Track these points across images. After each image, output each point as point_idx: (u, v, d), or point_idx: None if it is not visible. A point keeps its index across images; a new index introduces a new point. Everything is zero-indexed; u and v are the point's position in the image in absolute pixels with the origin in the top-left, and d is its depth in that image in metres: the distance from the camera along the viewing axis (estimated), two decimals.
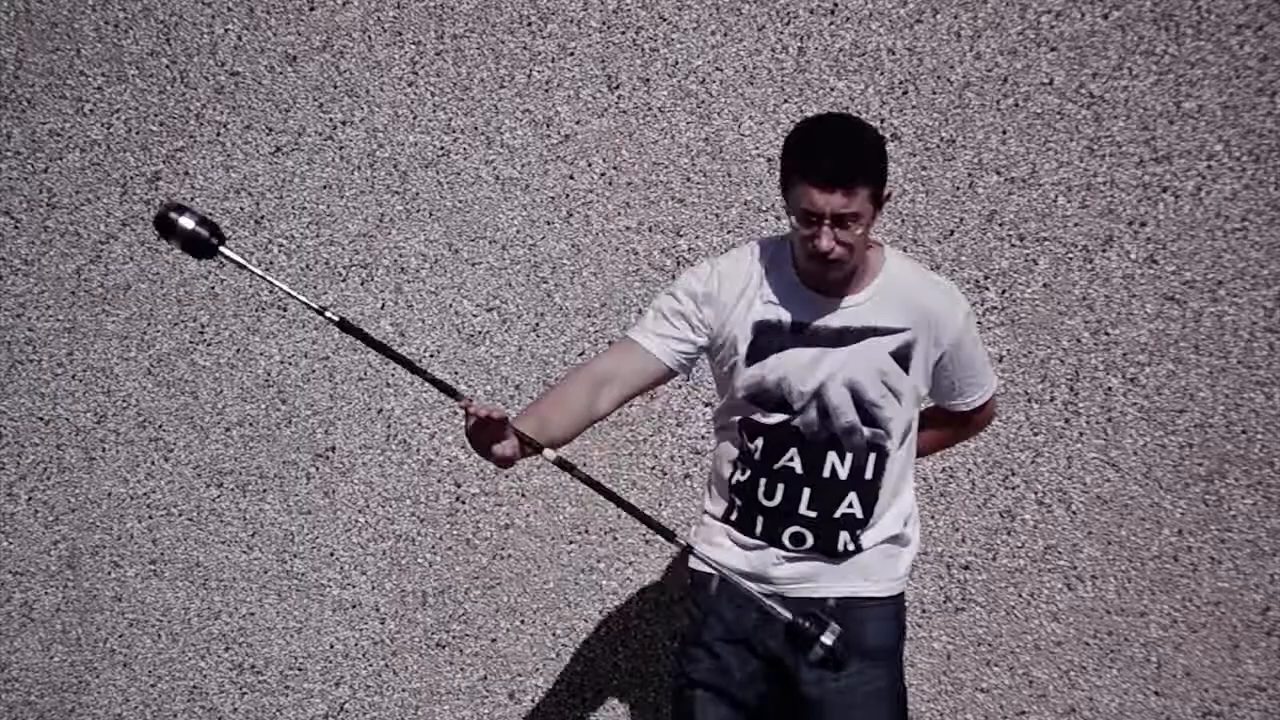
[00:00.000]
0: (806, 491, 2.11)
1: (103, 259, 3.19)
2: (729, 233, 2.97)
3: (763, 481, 2.14)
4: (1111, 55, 2.83)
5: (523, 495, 3.09)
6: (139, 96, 3.16)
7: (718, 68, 2.95)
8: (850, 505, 2.13)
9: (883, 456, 2.12)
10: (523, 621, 3.11)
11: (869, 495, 2.13)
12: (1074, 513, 2.91)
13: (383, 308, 3.11)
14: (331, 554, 3.17)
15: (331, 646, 3.19)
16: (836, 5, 2.90)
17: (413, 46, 3.05)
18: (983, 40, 2.87)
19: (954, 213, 2.91)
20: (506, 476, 3.08)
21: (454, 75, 3.04)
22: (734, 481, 2.18)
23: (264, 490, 3.19)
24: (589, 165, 3.00)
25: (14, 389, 3.25)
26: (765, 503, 2.14)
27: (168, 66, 3.14)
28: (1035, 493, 2.92)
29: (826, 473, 2.11)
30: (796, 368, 2.08)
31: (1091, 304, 2.88)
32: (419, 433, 3.12)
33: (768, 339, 2.09)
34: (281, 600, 3.20)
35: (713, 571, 2.13)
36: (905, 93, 2.90)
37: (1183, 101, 2.82)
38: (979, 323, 2.91)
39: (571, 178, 3.02)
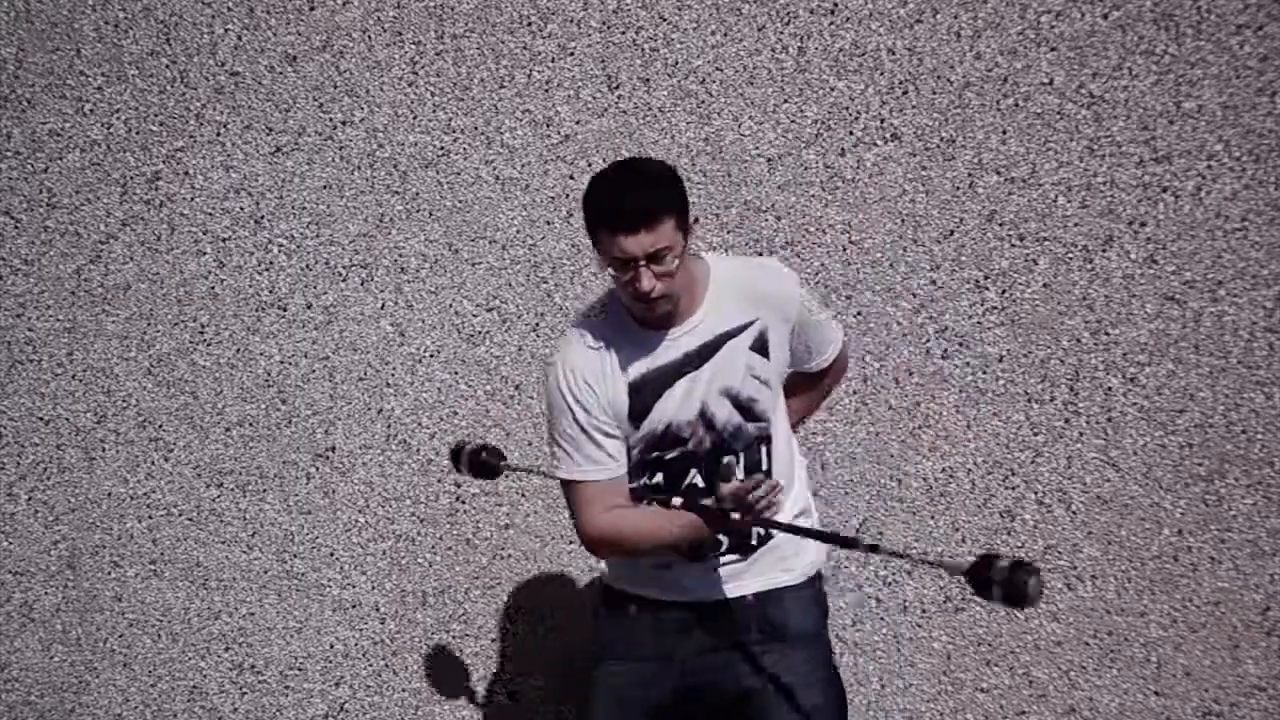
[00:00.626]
0: (711, 500, 2.13)
1: (103, 259, 3.19)
2: (729, 233, 2.97)
3: (683, 504, 2.15)
4: (1111, 55, 2.83)
5: (523, 495, 3.09)
6: (139, 96, 3.16)
7: (718, 68, 2.95)
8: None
9: (769, 443, 2.18)
10: (523, 621, 3.11)
11: None
12: (1074, 513, 2.91)
13: (383, 308, 3.11)
14: (331, 554, 3.17)
15: (331, 646, 3.19)
16: (836, 5, 2.90)
17: (413, 46, 3.05)
18: (983, 40, 2.87)
19: (954, 213, 2.91)
20: (506, 476, 3.08)
21: (454, 75, 3.04)
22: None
23: (264, 490, 3.18)
24: (589, 165, 3.00)
25: (14, 389, 3.25)
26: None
27: (168, 66, 3.14)
28: (1035, 493, 2.92)
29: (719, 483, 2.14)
30: (675, 406, 2.13)
31: (1091, 304, 2.87)
32: (419, 433, 3.12)
33: (641, 397, 2.13)
34: (281, 600, 3.20)
35: (632, 595, 2.22)
36: (905, 93, 2.90)
37: (1183, 101, 2.82)
38: (978, 323, 2.91)
39: (571, 178, 3.02)
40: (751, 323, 2.13)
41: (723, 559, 2.18)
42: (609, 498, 2.13)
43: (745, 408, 2.14)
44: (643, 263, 1.99)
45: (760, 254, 2.97)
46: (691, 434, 2.14)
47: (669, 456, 2.16)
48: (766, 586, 2.19)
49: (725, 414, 2.14)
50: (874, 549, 2.08)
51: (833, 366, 2.29)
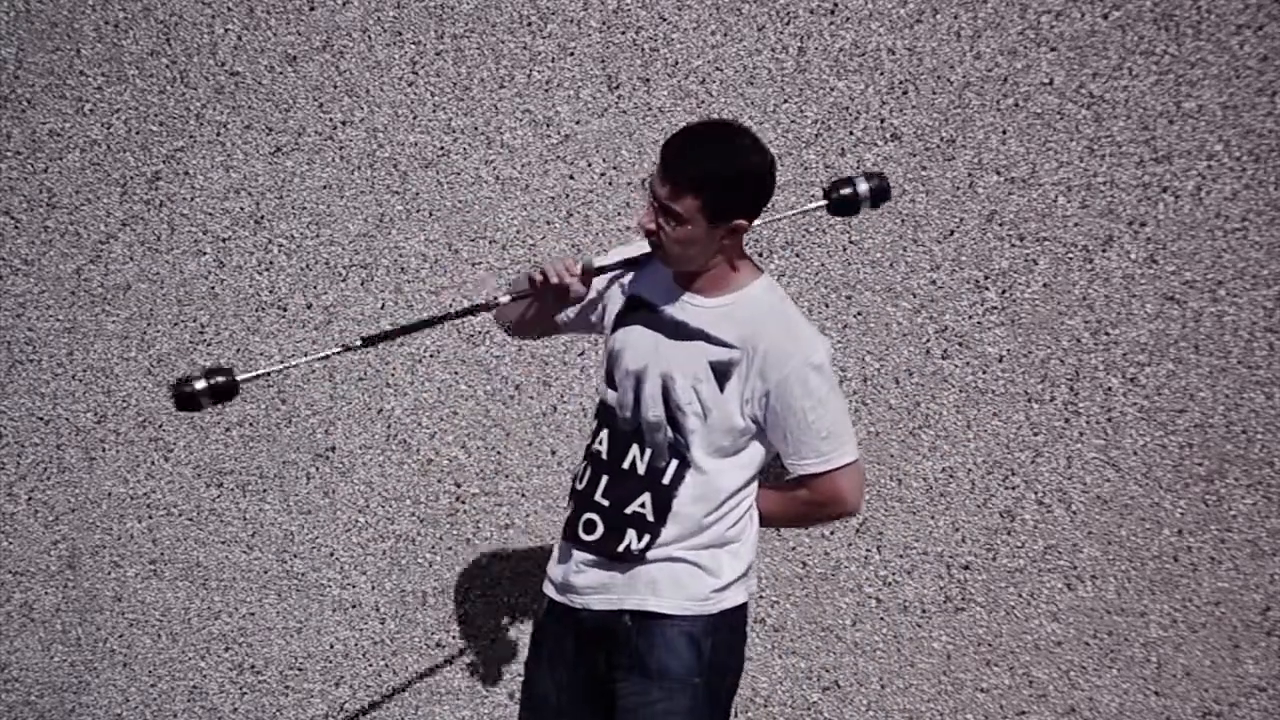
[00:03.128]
0: (605, 478, 2.15)
1: (103, 259, 3.19)
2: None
3: (585, 466, 2.20)
4: (1111, 55, 2.83)
5: (523, 495, 3.09)
6: (139, 96, 3.16)
7: (718, 68, 2.95)
8: (643, 505, 2.12)
9: (684, 467, 2.11)
10: (522, 622, 3.11)
11: (662, 501, 2.11)
12: (1074, 513, 2.91)
13: (383, 308, 3.11)
14: (331, 554, 3.17)
15: (331, 646, 3.19)
16: (836, 5, 2.90)
17: (413, 46, 3.05)
18: (983, 40, 2.87)
19: (954, 213, 2.91)
20: (507, 476, 3.08)
21: (454, 75, 3.04)
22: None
23: (264, 490, 3.18)
24: (589, 165, 3.00)
25: (14, 389, 3.24)
26: (577, 486, 2.20)
27: (168, 66, 3.14)
28: (1035, 493, 2.92)
29: (626, 464, 2.14)
30: (634, 344, 2.15)
31: (1091, 304, 2.87)
32: (419, 433, 3.12)
33: (631, 313, 2.18)
34: (281, 600, 3.20)
35: (546, 592, 2.26)
36: (905, 93, 2.90)
37: (1183, 101, 2.82)
38: (978, 323, 2.91)
39: (571, 178, 3.02)
40: (731, 347, 2.09)
41: (598, 559, 2.15)
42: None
43: (671, 409, 2.10)
44: (657, 205, 2.05)
45: (760, 255, 2.97)
46: (622, 389, 2.15)
47: (607, 399, 2.19)
48: (638, 607, 2.13)
49: (654, 396, 2.11)
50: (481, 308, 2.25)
51: (814, 487, 2.15)
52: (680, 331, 2.12)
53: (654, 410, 2.10)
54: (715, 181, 2.01)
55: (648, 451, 2.12)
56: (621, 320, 2.19)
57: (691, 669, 2.12)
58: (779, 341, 2.08)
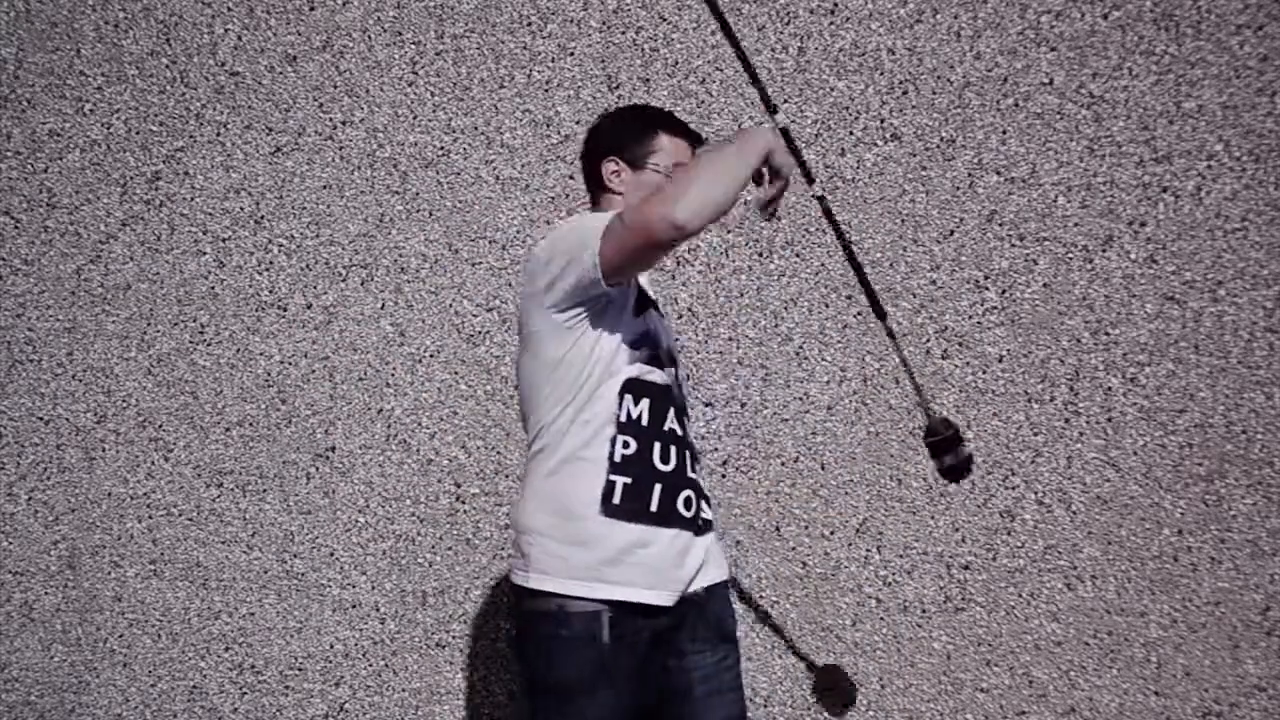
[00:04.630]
0: (687, 454, 2.13)
1: (103, 259, 3.19)
2: (728, 232, 2.97)
3: (656, 446, 2.06)
4: (1111, 55, 2.83)
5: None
6: (139, 96, 3.16)
7: (718, 68, 2.95)
8: (698, 469, 2.19)
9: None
10: None
11: (700, 463, 2.24)
12: (1074, 513, 2.91)
13: (383, 308, 3.11)
14: (331, 554, 3.17)
15: (331, 646, 3.19)
16: (836, 5, 2.90)
17: (413, 46, 3.05)
18: (983, 40, 2.87)
19: (954, 213, 2.91)
20: (507, 476, 3.09)
21: (454, 75, 3.04)
22: (617, 458, 2.03)
23: (264, 490, 3.19)
24: None
25: (14, 389, 3.25)
26: (661, 468, 2.06)
27: (168, 66, 3.14)
28: (1035, 493, 2.92)
29: (688, 434, 2.16)
30: (654, 326, 2.15)
31: (1091, 304, 2.88)
32: (419, 433, 3.12)
33: (641, 300, 2.13)
34: (281, 600, 3.20)
35: (598, 607, 1.99)
36: (905, 93, 2.90)
37: (1183, 101, 2.82)
38: (978, 323, 2.91)
39: (571, 178, 3.02)
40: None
41: (685, 528, 2.07)
42: None
43: (676, 360, 2.21)
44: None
45: (760, 255, 2.97)
46: (669, 367, 2.15)
47: (659, 381, 2.08)
48: (711, 581, 2.13)
49: (669, 346, 2.19)
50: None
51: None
52: (657, 306, 2.23)
53: (679, 380, 2.20)
54: None
55: (686, 420, 2.18)
56: (639, 302, 2.12)
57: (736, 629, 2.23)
58: None
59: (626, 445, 2.03)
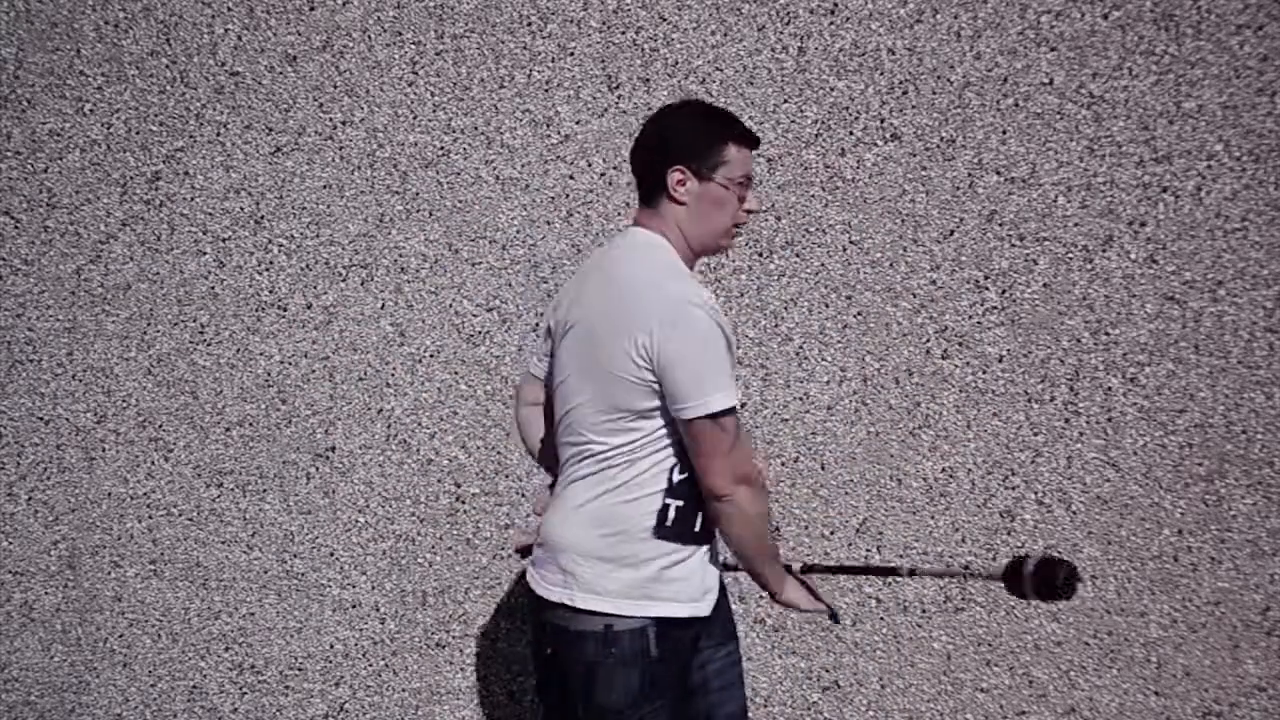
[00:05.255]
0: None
1: (103, 259, 3.19)
2: None
3: (691, 474, 2.07)
4: (1111, 55, 2.83)
5: (522, 495, 3.09)
6: (139, 96, 3.16)
7: (718, 68, 2.95)
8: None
9: None
10: (522, 621, 3.11)
11: None
12: (1074, 513, 2.91)
13: (383, 308, 3.11)
14: (331, 554, 3.17)
15: (331, 646, 3.19)
16: (836, 5, 2.90)
17: (413, 46, 3.05)
18: (983, 40, 2.87)
19: (954, 213, 2.91)
20: (507, 476, 3.08)
21: (454, 75, 3.04)
22: (674, 482, 2.05)
23: (264, 490, 3.18)
24: (589, 165, 3.00)
25: (14, 389, 3.25)
26: (698, 489, 2.07)
27: (168, 66, 3.14)
28: (1035, 493, 2.92)
29: None
30: None
31: (1091, 304, 2.88)
32: (419, 433, 3.12)
33: None
34: (281, 600, 3.20)
35: (645, 624, 2.03)
36: (905, 93, 2.90)
37: (1183, 101, 2.82)
38: (978, 323, 2.91)
39: (571, 178, 3.02)
40: None
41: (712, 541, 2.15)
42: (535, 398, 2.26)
43: None
44: (745, 182, 2.10)
45: (760, 255, 2.97)
46: None
47: None
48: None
49: None
50: (913, 573, 2.19)
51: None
52: None
53: None
54: None
55: None
56: None
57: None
58: None
59: (682, 471, 2.05)
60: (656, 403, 2.00)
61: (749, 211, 2.10)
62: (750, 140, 2.09)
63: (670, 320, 1.95)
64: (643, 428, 2.02)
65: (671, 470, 2.04)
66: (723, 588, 2.17)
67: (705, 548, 2.10)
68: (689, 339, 1.95)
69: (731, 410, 1.97)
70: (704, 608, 2.09)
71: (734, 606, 2.32)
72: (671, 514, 2.03)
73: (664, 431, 2.02)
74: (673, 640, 2.05)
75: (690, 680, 2.16)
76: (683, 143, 2.06)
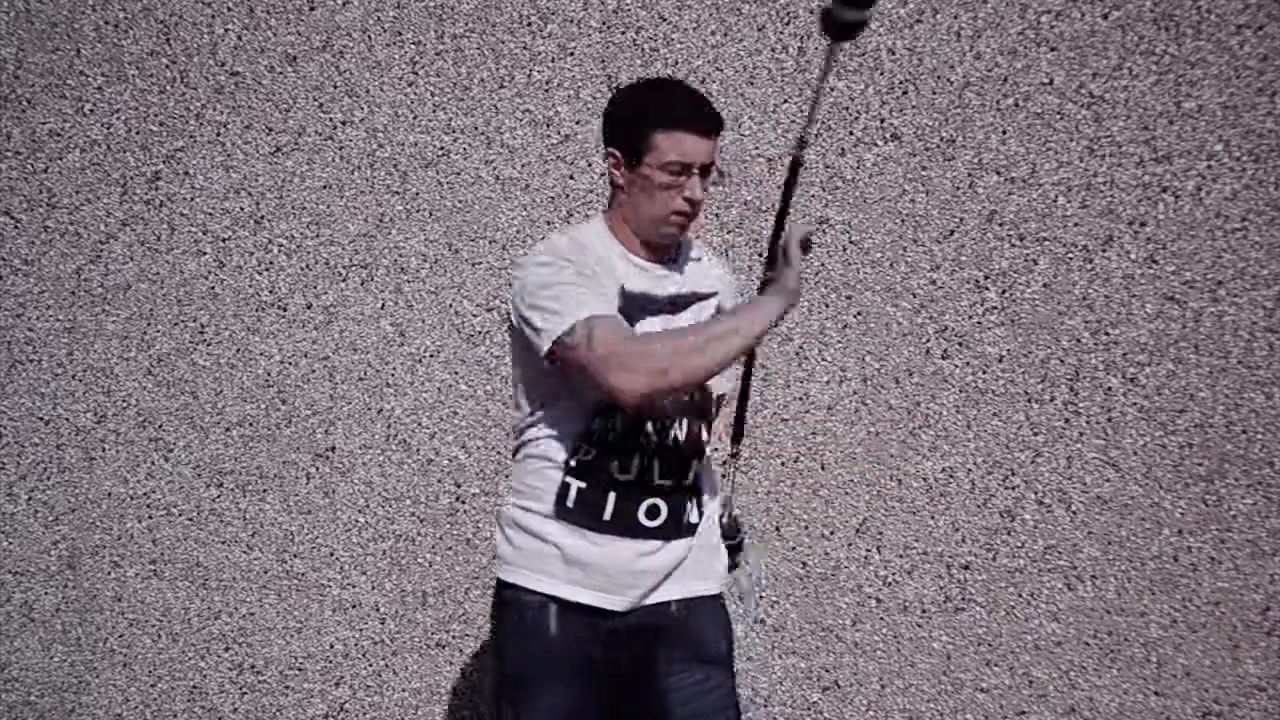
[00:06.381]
0: (657, 462, 2.04)
1: (103, 259, 3.19)
2: (729, 233, 2.97)
3: (619, 456, 2.02)
4: (1111, 55, 2.83)
5: None
6: (139, 96, 3.16)
7: (718, 68, 2.95)
8: (695, 474, 2.09)
9: (709, 423, 2.12)
10: None
11: (705, 464, 2.12)
12: (1074, 513, 2.91)
13: (383, 308, 3.11)
14: (331, 554, 3.17)
15: (331, 646, 3.19)
16: None
17: (413, 46, 3.05)
18: (983, 40, 2.87)
19: (954, 213, 2.91)
20: (507, 476, 3.08)
21: (454, 75, 3.04)
22: (575, 462, 2.02)
23: (264, 490, 3.19)
24: (589, 165, 3.00)
25: (14, 389, 3.24)
26: (620, 477, 2.02)
27: (168, 66, 3.14)
28: (1035, 493, 2.92)
29: (670, 440, 2.05)
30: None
31: (1091, 304, 2.88)
32: (419, 433, 3.12)
33: (629, 310, 2.01)
34: (281, 600, 3.20)
35: (547, 596, 2.01)
36: (905, 93, 2.90)
37: (1183, 101, 2.82)
38: (978, 323, 2.91)
39: (571, 178, 3.02)
40: (714, 294, 2.13)
41: (663, 539, 2.05)
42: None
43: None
44: (696, 171, 1.99)
45: (760, 255, 2.97)
46: None
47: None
48: (688, 594, 2.08)
49: None
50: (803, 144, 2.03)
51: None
52: (678, 304, 2.08)
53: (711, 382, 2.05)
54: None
55: (685, 424, 2.06)
56: (627, 319, 2.00)
57: (732, 645, 2.15)
58: (724, 270, 2.25)
59: (587, 453, 2.02)
60: (540, 360, 1.95)
61: (689, 200, 1.99)
62: (689, 124, 1.96)
63: (511, 289, 2.00)
64: (539, 393, 2.05)
65: (575, 449, 2.03)
66: (701, 606, 2.09)
67: (644, 542, 2.03)
68: (519, 293, 1.97)
69: (572, 329, 1.87)
70: (615, 602, 2.02)
71: (732, 608, 2.29)
72: (572, 495, 2.02)
73: (560, 407, 2.02)
74: (576, 624, 2.03)
75: (648, 704, 2.06)
76: (611, 128, 2.04)
